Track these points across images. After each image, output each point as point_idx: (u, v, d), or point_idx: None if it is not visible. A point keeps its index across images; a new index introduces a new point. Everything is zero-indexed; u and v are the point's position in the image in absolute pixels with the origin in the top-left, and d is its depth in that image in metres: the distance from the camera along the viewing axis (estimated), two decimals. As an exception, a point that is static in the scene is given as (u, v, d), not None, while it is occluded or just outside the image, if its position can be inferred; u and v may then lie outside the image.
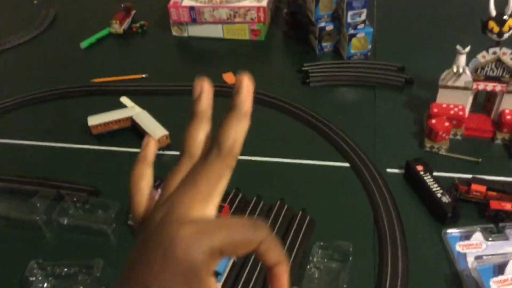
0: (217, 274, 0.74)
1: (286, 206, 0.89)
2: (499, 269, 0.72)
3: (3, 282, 0.79)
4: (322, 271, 0.77)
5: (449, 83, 0.95)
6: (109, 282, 0.78)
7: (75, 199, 0.91)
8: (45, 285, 0.78)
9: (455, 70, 0.91)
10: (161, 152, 1.02)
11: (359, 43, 1.22)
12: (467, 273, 0.74)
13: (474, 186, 0.84)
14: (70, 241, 0.86)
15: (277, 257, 0.33)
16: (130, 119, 1.07)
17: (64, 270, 0.79)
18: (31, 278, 0.78)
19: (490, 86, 0.94)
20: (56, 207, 0.90)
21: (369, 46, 1.22)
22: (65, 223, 0.88)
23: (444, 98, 0.97)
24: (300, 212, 0.87)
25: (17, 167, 1.02)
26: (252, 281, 0.77)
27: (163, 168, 0.96)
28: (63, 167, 1.02)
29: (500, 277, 0.70)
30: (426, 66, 1.18)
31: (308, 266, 0.77)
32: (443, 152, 0.96)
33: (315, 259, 0.78)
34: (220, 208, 0.84)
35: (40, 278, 0.78)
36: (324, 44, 1.26)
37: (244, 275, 0.78)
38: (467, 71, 0.92)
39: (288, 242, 0.82)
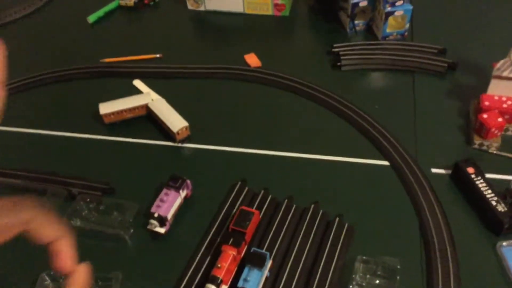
0: (249, 293, 0.67)
1: (321, 212, 0.80)
2: None
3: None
4: (366, 289, 0.69)
5: (504, 74, 0.85)
6: (128, 297, 0.71)
7: (88, 200, 0.83)
8: (59, 298, 0.71)
9: (514, 59, 0.81)
10: (180, 144, 0.93)
11: (396, 21, 1.10)
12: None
13: (535, 194, 0.75)
14: (83, 248, 0.78)
15: (52, 234, 0.32)
16: (146, 107, 0.98)
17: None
18: (42, 292, 0.71)
19: (552, 77, 0.83)
20: (67, 208, 0.81)
21: (407, 26, 1.10)
22: (77, 225, 0.80)
23: (497, 89, 0.87)
24: (337, 219, 0.79)
25: (20, 159, 0.94)
26: (287, 299, 0.70)
27: (183, 161, 0.86)
28: (71, 160, 0.93)
29: None
30: (471, 49, 1.07)
31: (351, 286, 0.69)
32: (493, 150, 0.86)
33: (357, 276, 0.70)
34: (250, 216, 0.75)
35: (52, 292, 0.71)
36: (356, 22, 1.15)
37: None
38: (528, 61, 0.81)
39: (325, 253, 0.74)
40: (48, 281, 0.72)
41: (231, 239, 0.72)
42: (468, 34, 1.12)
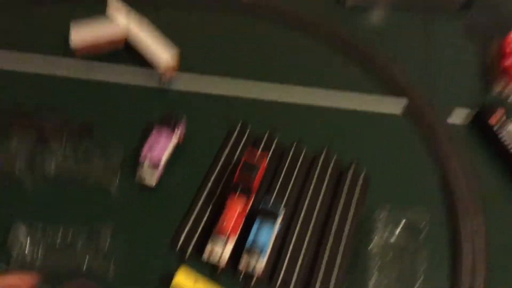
0: (261, 249, 0.59)
1: (334, 158, 0.72)
2: None
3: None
4: (387, 247, 0.63)
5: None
6: (118, 253, 0.61)
7: (64, 141, 0.71)
8: (34, 258, 0.60)
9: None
10: (166, 84, 0.81)
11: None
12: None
13: None
14: (63, 198, 0.67)
15: None
16: (125, 38, 0.84)
17: (58, 238, 0.62)
18: (15, 247, 0.60)
19: None
20: (39, 153, 0.69)
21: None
22: (53, 173, 0.69)
23: (523, 31, 0.80)
24: (353, 166, 0.71)
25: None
26: (300, 257, 0.62)
27: (172, 102, 0.72)
28: (38, 99, 0.79)
29: None
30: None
31: (375, 237, 0.63)
32: (516, 98, 0.80)
33: (378, 229, 0.64)
34: (257, 165, 0.66)
35: (27, 246, 0.60)
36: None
37: (289, 250, 0.63)
38: None
39: (340, 205, 0.67)
40: (23, 235, 0.61)
41: (237, 192, 0.63)
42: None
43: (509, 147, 0.71)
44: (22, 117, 0.74)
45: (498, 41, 0.82)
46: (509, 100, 0.80)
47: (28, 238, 0.61)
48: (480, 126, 0.75)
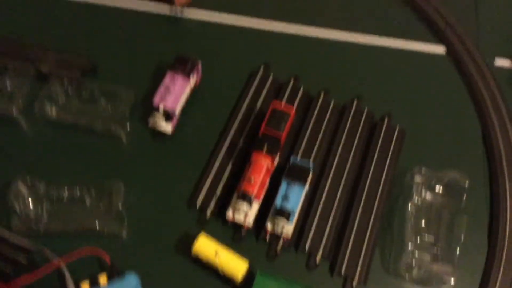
0: (289, 212, 0.53)
1: (366, 109, 0.65)
2: None
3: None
4: (424, 209, 0.58)
5: None
6: (131, 211, 0.56)
7: (65, 81, 0.63)
8: (38, 215, 0.54)
9: None
10: (180, 12, 0.71)
11: None
12: None
13: None
14: (67, 149, 0.60)
15: None
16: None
17: (65, 193, 0.56)
18: (16, 205, 0.54)
19: None
20: (37, 92, 0.61)
21: None
22: (54, 117, 0.61)
23: None
24: (386, 119, 0.64)
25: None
26: (328, 222, 0.57)
27: (186, 36, 0.63)
28: (32, 26, 0.69)
29: None
30: None
31: (410, 203, 0.57)
32: None
33: (414, 192, 0.58)
34: (286, 116, 0.59)
35: (31, 203, 0.55)
36: None
37: (317, 215, 0.57)
38: None
39: (373, 162, 0.61)
40: (24, 190, 0.55)
41: (264, 146, 0.56)
42: None
43: None
44: (18, 48, 0.65)
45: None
46: None
47: (30, 194, 0.55)
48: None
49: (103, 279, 0.49)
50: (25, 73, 0.63)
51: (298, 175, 0.55)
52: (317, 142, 0.62)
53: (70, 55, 0.65)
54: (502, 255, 0.56)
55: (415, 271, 0.54)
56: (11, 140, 0.60)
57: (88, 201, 0.56)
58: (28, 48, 0.65)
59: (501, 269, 0.55)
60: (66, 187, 0.56)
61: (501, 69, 0.70)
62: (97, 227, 0.54)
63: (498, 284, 0.54)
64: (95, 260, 0.52)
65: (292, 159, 0.57)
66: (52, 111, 0.61)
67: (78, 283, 0.49)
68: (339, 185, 0.59)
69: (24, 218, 0.54)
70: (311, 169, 0.56)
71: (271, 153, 0.56)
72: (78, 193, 0.56)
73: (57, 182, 0.56)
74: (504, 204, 0.59)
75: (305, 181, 0.55)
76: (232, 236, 0.56)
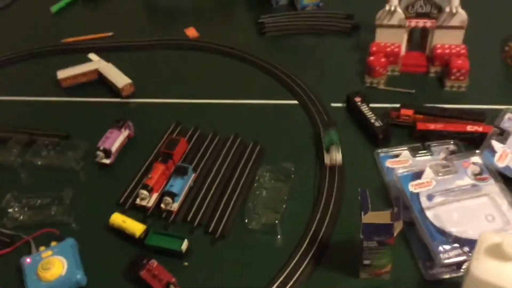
0: (174, 195, 0.84)
1: (239, 139, 0.98)
2: (417, 175, 0.82)
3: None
4: (268, 190, 0.87)
5: (384, 22, 1.04)
6: (79, 210, 0.87)
7: (46, 142, 1.00)
8: (21, 217, 0.87)
9: (387, 8, 1.00)
10: (126, 100, 1.11)
11: (311, -6, 1.30)
12: (393, 182, 0.84)
13: (403, 111, 0.93)
14: (43, 179, 0.95)
15: None
16: (97, 71, 1.15)
17: (37, 201, 0.89)
18: (8, 210, 0.87)
19: (421, 22, 1.03)
20: (29, 150, 0.98)
21: (321, -3, 1.30)
22: (39, 163, 0.97)
23: (382, 37, 1.06)
24: (252, 143, 0.97)
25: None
26: (205, 202, 0.87)
27: (129, 114, 1.03)
28: (35, 119, 1.09)
29: (417, 181, 0.80)
30: (375, 12, 1.27)
31: (256, 185, 0.87)
32: (381, 86, 1.05)
33: (261, 180, 0.88)
34: (177, 142, 0.93)
35: (16, 209, 0.87)
36: (279, -3, 1.34)
37: (199, 198, 0.87)
38: (399, 9, 1.00)
39: (239, 168, 0.92)
40: (13, 201, 0.88)
41: (160, 158, 0.90)
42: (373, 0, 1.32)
43: (366, 115, 0.95)
44: (18, 130, 1.03)
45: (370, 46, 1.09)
46: (378, 87, 1.05)
47: (16, 203, 0.88)
48: (350, 104, 1.00)
49: (53, 243, 0.80)
50: (22, 140, 1.00)
51: (181, 172, 0.87)
52: (205, 158, 0.94)
53: (53, 132, 1.03)
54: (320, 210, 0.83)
55: (253, 223, 0.82)
56: (9, 178, 0.95)
57: (53, 207, 0.88)
58: (25, 129, 1.04)
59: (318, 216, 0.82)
60: (39, 199, 0.89)
61: (336, 107, 1.03)
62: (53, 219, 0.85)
63: (314, 226, 0.80)
64: (51, 236, 0.83)
65: (177, 164, 0.89)
66: (37, 161, 0.97)
67: (38, 248, 0.79)
68: (215, 181, 0.90)
69: (12, 217, 0.86)
70: (189, 169, 0.88)
71: (164, 162, 0.89)
72: (46, 202, 0.88)
73: (35, 196, 0.89)
74: (324, 181, 0.87)
75: (184, 174, 0.86)
76: (142, 218, 0.85)
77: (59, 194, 0.89)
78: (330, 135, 0.92)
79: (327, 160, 0.90)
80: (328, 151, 0.90)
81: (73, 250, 0.78)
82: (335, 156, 0.89)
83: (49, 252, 0.77)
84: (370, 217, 0.66)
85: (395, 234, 0.66)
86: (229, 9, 1.42)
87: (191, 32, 1.29)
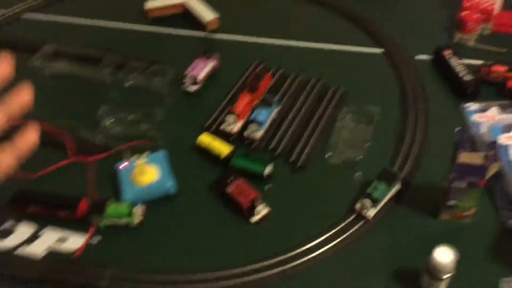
0: (259, 123, 0.87)
1: (322, 81, 0.99)
2: (506, 129, 0.81)
3: (80, 120, 0.93)
4: (351, 130, 0.88)
5: (484, -23, 1.01)
6: (166, 130, 0.92)
7: (136, 66, 1.04)
8: (114, 129, 0.92)
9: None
10: (211, 34, 1.14)
11: None
12: (478, 136, 0.84)
13: (496, 67, 0.92)
14: (132, 99, 1.00)
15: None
16: (183, 4, 1.18)
17: (129, 116, 0.94)
18: (102, 121, 0.93)
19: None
20: (120, 70, 1.03)
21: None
22: (128, 84, 1.02)
23: (478, -8, 1.04)
24: (334, 85, 0.98)
25: (83, 43, 1.15)
26: (287, 134, 0.90)
27: (212, 48, 1.04)
28: (124, 44, 1.14)
29: (507, 134, 0.80)
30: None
31: (338, 123, 0.89)
32: (471, 43, 1.03)
33: (344, 120, 0.89)
34: (262, 75, 0.95)
35: (110, 121, 0.93)
36: None
37: (281, 130, 0.90)
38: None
39: (321, 108, 0.94)
40: (107, 112, 0.93)
41: (247, 88, 0.92)
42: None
43: (455, 70, 0.94)
44: (110, 51, 1.08)
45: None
46: (468, 43, 1.03)
47: (110, 116, 0.93)
48: (438, 57, 0.99)
49: (146, 153, 0.84)
50: (114, 61, 1.05)
51: (267, 103, 0.90)
52: (288, 93, 0.96)
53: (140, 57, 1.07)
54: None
55: (334, 158, 0.84)
56: (102, 95, 1.00)
57: (142, 123, 0.93)
58: (116, 51, 1.08)
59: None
60: (131, 114, 0.94)
61: (422, 60, 1.03)
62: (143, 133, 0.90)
63: (396, 166, 0.82)
64: (142, 147, 0.88)
65: (264, 95, 0.92)
66: (127, 82, 1.02)
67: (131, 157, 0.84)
68: (297, 116, 0.92)
69: (106, 129, 0.91)
70: (274, 100, 0.90)
71: (251, 91, 0.92)
72: (137, 117, 0.93)
73: (127, 110, 0.94)
74: (407, 127, 0.88)
75: (270, 106, 0.89)
76: (226, 140, 0.89)
77: (150, 112, 0.93)
78: (380, 187, 0.76)
79: (357, 206, 0.76)
80: (368, 198, 0.75)
81: (165, 161, 0.83)
82: (367, 210, 0.75)
83: (143, 161, 0.82)
84: (465, 157, 0.67)
85: (487, 177, 0.67)
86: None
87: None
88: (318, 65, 1.04)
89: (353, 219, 0.76)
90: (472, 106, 0.90)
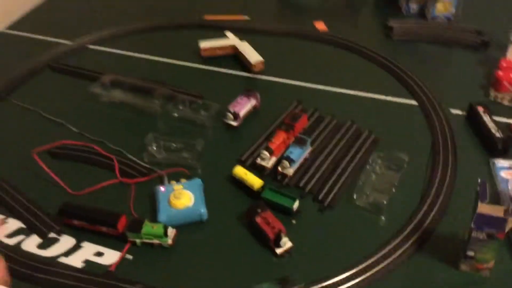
0: (291, 161, 0.92)
1: (355, 126, 1.04)
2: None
3: (128, 144, 1.02)
4: (379, 175, 0.92)
5: (522, 40, 1.05)
6: (206, 160, 0.99)
7: (185, 99, 1.13)
8: (158, 155, 1.00)
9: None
10: (256, 76, 1.22)
11: (444, 6, 1.33)
12: (504, 192, 0.85)
13: (527, 126, 0.94)
14: (177, 129, 1.08)
15: None
16: (234, 46, 1.27)
17: (173, 145, 1.01)
18: (148, 147, 1.01)
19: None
20: (170, 102, 1.12)
21: (453, 10, 1.32)
22: (176, 115, 1.10)
23: (515, 54, 1.07)
24: (367, 131, 1.03)
25: (139, 75, 1.26)
26: (318, 173, 0.94)
27: (256, 88, 1.12)
28: (175, 79, 1.23)
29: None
30: (505, 30, 1.26)
31: (367, 167, 0.93)
32: (506, 102, 1.06)
33: (373, 165, 0.93)
34: (299, 116, 1.02)
35: (155, 148, 1.01)
36: (411, 5, 1.38)
37: (312, 169, 0.95)
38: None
39: (352, 151, 0.98)
40: (153, 140, 1.02)
41: (283, 126, 0.99)
42: (508, 17, 1.31)
43: (486, 123, 0.97)
44: (162, 84, 1.18)
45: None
46: (503, 102, 1.06)
47: (155, 143, 1.01)
48: (471, 113, 1.02)
49: (183, 180, 0.91)
50: (165, 93, 1.15)
51: (301, 142, 0.95)
52: (322, 136, 1.02)
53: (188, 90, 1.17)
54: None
55: (361, 200, 0.87)
56: (151, 123, 1.09)
57: (184, 151, 1.00)
58: (167, 85, 1.18)
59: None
60: (174, 143, 1.01)
61: (456, 114, 1.06)
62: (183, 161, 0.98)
63: (421, 215, 0.84)
64: (181, 174, 0.95)
65: (298, 135, 0.97)
66: (175, 113, 1.11)
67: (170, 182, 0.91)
68: (328, 159, 0.97)
69: (150, 155, 0.99)
70: (307, 141, 0.96)
71: (287, 130, 0.98)
72: (179, 146, 1.01)
73: (171, 140, 1.02)
74: (434, 179, 0.91)
75: (303, 145, 0.94)
76: (259, 174, 0.95)
77: (192, 142, 1.01)
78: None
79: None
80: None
81: (200, 189, 0.89)
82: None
83: (180, 186, 0.89)
84: (485, 208, 0.69)
85: (506, 230, 0.69)
86: (357, 9, 1.49)
87: (320, 25, 1.38)
88: (354, 111, 1.10)
89: (372, 262, 0.78)
90: (501, 162, 0.92)
